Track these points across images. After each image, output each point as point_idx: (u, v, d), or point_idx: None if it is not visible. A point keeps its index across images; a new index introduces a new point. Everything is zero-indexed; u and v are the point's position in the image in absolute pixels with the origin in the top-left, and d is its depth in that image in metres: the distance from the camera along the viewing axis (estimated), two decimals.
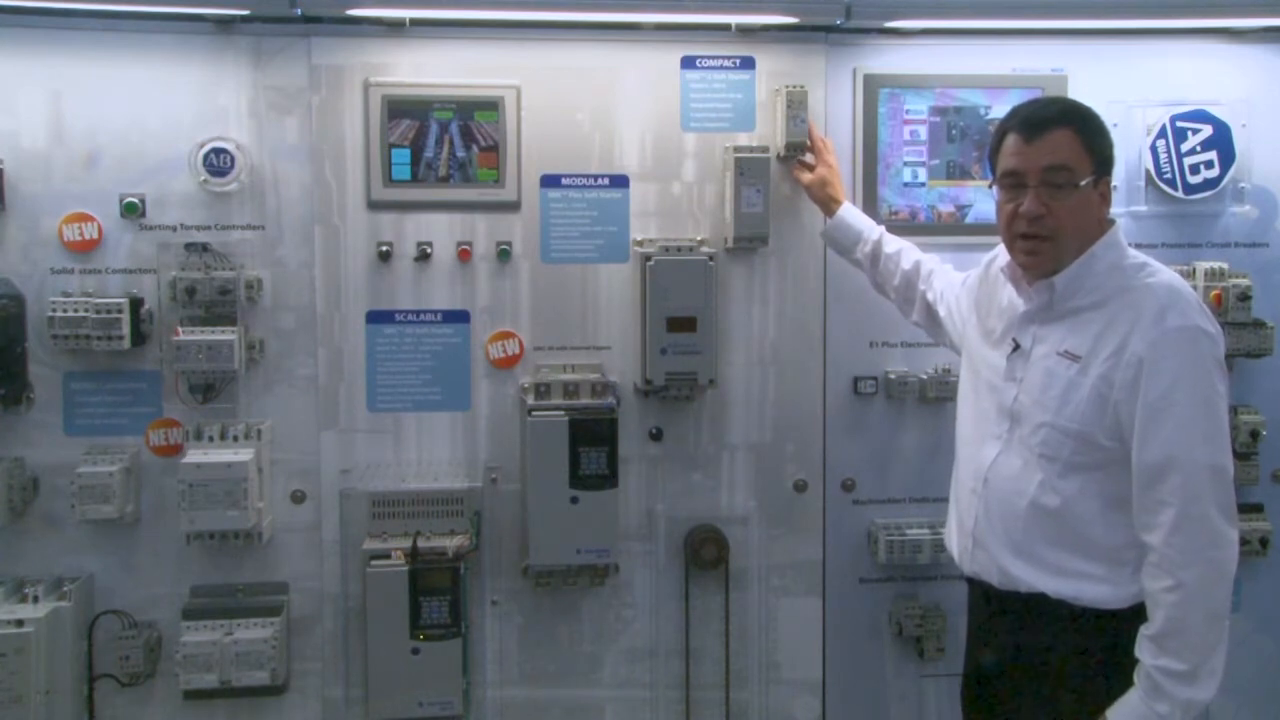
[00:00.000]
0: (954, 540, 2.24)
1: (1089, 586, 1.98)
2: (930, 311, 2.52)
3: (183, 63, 2.63)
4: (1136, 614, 1.94)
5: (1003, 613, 2.10)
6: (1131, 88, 2.84)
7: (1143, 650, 1.90)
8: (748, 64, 2.77)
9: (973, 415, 2.21)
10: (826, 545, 2.87)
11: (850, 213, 2.67)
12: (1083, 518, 1.99)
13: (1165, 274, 2.00)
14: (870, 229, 2.64)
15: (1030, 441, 2.03)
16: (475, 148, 2.71)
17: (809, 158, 2.73)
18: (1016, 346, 2.09)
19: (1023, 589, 2.04)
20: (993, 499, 2.09)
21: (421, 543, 2.58)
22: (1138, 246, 2.75)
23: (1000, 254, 2.21)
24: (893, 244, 2.60)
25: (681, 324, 2.66)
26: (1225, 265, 2.81)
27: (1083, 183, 1.97)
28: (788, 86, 2.70)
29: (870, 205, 2.80)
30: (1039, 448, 2.01)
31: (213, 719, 2.72)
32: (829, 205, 2.68)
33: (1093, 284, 2.01)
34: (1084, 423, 1.96)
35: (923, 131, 2.82)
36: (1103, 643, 1.98)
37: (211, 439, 2.62)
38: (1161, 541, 1.88)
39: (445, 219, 2.73)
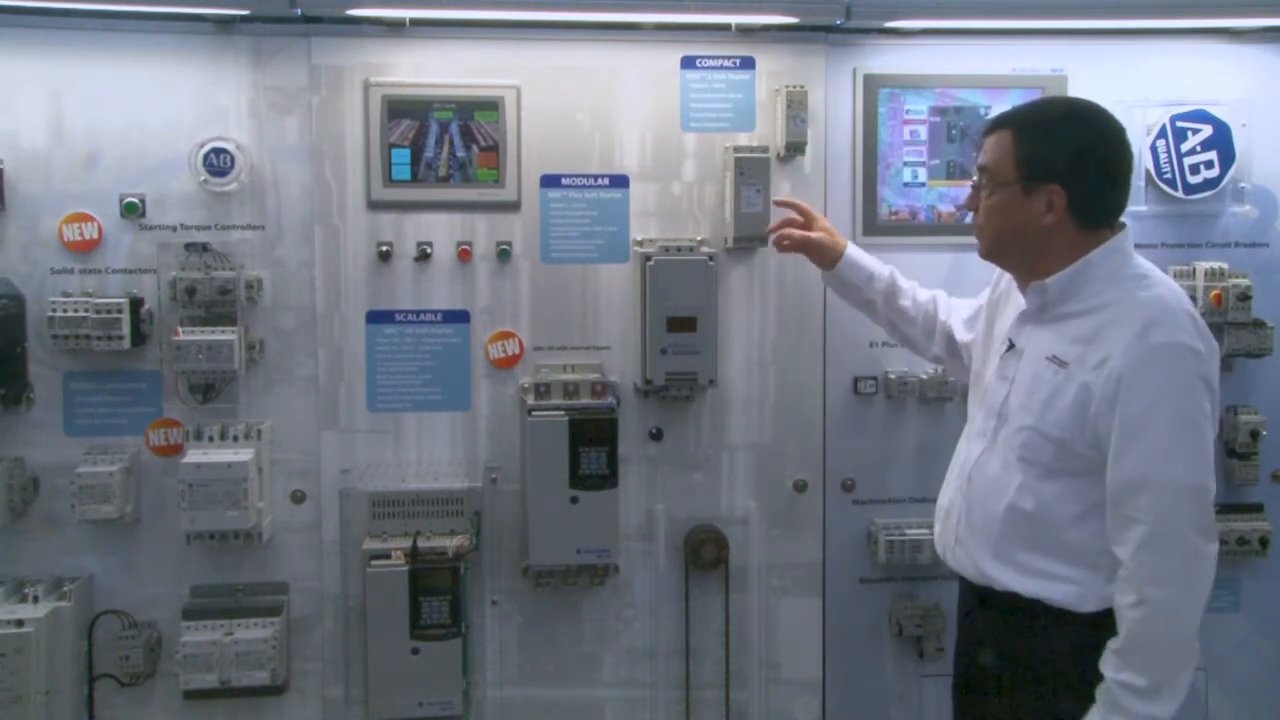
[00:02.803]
0: (939, 535, 2.25)
1: (1060, 587, 1.98)
2: (950, 341, 2.48)
3: (183, 63, 2.63)
4: (1108, 617, 1.93)
5: (982, 605, 2.12)
6: (1131, 88, 2.84)
7: (1106, 664, 1.90)
8: (748, 64, 2.77)
9: (970, 409, 2.24)
10: (826, 545, 2.87)
11: (859, 252, 2.55)
12: (1059, 522, 1.99)
13: (1161, 288, 1.97)
14: (880, 265, 2.55)
15: (1013, 443, 2.03)
16: (475, 148, 2.71)
17: (778, 233, 2.58)
18: (1011, 346, 2.10)
19: (998, 587, 2.05)
20: (975, 498, 2.10)
21: (421, 543, 2.58)
22: (1137, 247, 2.75)
23: None
24: (906, 280, 2.54)
25: (681, 324, 2.66)
26: (1225, 265, 2.81)
27: (997, 187, 2.03)
28: (788, 86, 2.70)
29: (870, 205, 2.81)
30: (1020, 450, 2.01)
31: (213, 719, 2.72)
32: (833, 254, 2.54)
33: (1088, 291, 2.00)
34: (1064, 429, 1.95)
35: (923, 131, 2.83)
36: (1071, 644, 1.98)
37: (211, 439, 2.62)
38: (1130, 558, 1.87)
39: (445, 219, 2.73)
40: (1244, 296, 2.78)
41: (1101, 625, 1.94)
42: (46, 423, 2.65)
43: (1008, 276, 2.25)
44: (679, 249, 2.68)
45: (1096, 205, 2.01)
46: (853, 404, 2.85)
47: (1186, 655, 1.88)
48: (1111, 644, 1.90)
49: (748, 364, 2.82)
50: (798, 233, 2.57)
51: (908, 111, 2.82)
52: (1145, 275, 2.00)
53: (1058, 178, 1.98)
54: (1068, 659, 1.97)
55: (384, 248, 2.70)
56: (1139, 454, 1.87)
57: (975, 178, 2.12)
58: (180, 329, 2.59)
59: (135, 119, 2.62)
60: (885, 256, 2.81)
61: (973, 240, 2.80)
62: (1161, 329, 1.89)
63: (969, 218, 2.19)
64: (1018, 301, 2.15)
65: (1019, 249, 2.07)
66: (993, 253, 2.13)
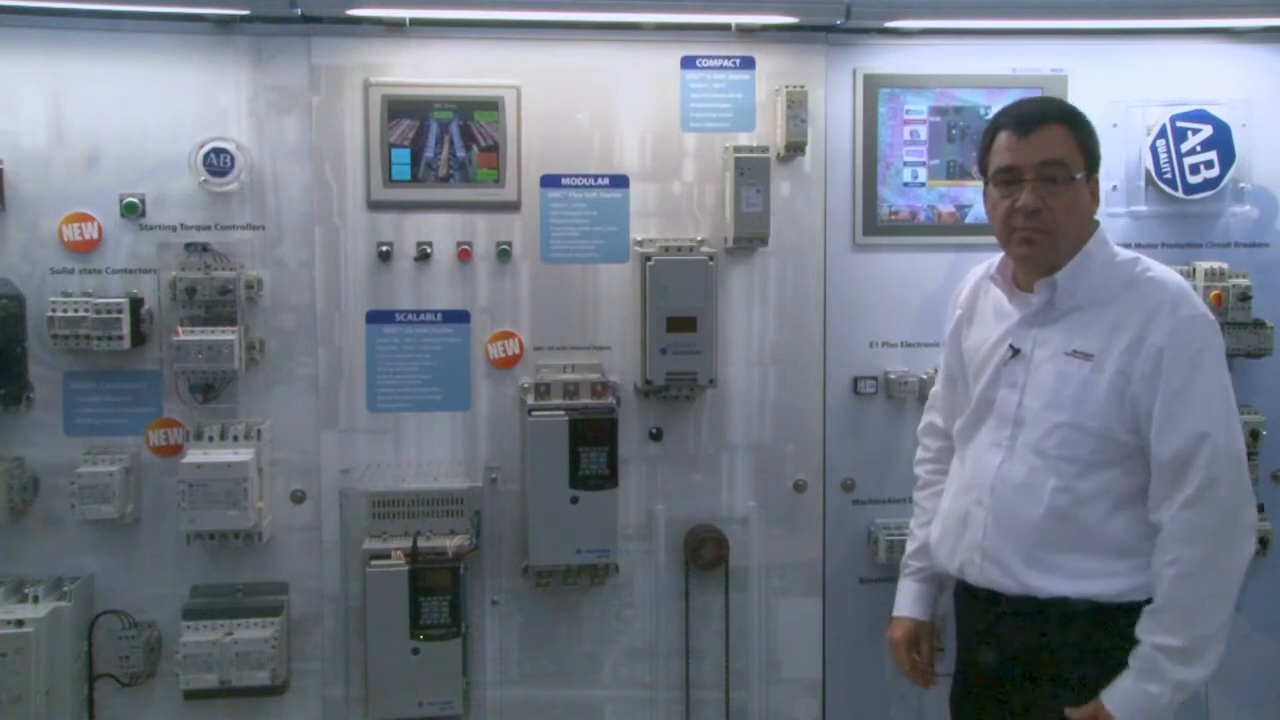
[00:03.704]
0: (944, 551, 2.20)
1: (1110, 583, 1.98)
2: None
3: (183, 63, 2.63)
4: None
5: (1012, 615, 2.07)
6: (1131, 88, 2.84)
7: (1141, 628, 1.93)
8: (748, 64, 2.77)
9: (967, 428, 2.20)
10: (826, 545, 2.87)
11: (916, 590, 2.33)
12: (1099, 517, 1.99)
13: (1158, 267, 2.05)
14: (918, 541, 2.33)
15: (1043, 445, 2.02)
16: (475, 148, 2.71)
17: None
18: (1016, 352, 2.09)
19: (1042, 595, 2.02)
20: (1002, 510, 2.07)
21: (421, 543, 2.58)
22: (1138, 246, 2.77)
23: (976, 272, 2.27)
24: (925, 485, 2.38)
25: (681, 324, 2.66)
26: (1225, 265, 2.81)
27: (1077, 177, 2.01)
28: (788, 86, 2.70)
29: (870, 205, 2.81)
30: (1056, 449, 2.01)
31: (213, 719, 2.72)
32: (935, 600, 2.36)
33: (1091, 282, 2.03)
34: (1104, 419, 1.97)
35: (923, 131, 2.82)
36: (1123, 635, 1.97)
37: (211, 439, 2.62)
38: (1169, 519, 1.92)
39: (445, 219, 2.73)
40: (1244, 296, 2.78)
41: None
42: (46, 423, 2.65)
43: (967, 293, 2.28)
44: (679, 249, 2.68)
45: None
46: (853, 404, 2.85)
47: (1219, 616, 1.92)
48: (1147, 609, 1.93)
49: (748, 364, 2.82)
50: (926, 671, 2.33)
51: (908, 111, 2.82)
52: (1137, 258, 2.07)
53: (1098, 168, 2.07)
54: (1118, 649, 1.97)
55: (384, 248, 2.70)
56: (1187, 422, 1.92)
57: (1027, 176, 2.00)
58: (180, 329, 2.59)
59: (135, 119, 2.62)
60: (885, 256, 2.84)
61: (971, 240, 2.82)
62: (1186, 303, 1.97)
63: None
64: (997, 311, 2.16)
65: (1073, 244, 2.04)
66: (1057, 252, 2.03)
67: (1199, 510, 1.90)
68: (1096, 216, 2.09)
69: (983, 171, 2.12)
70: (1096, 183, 2.07)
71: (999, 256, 2.15)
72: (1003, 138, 2.05)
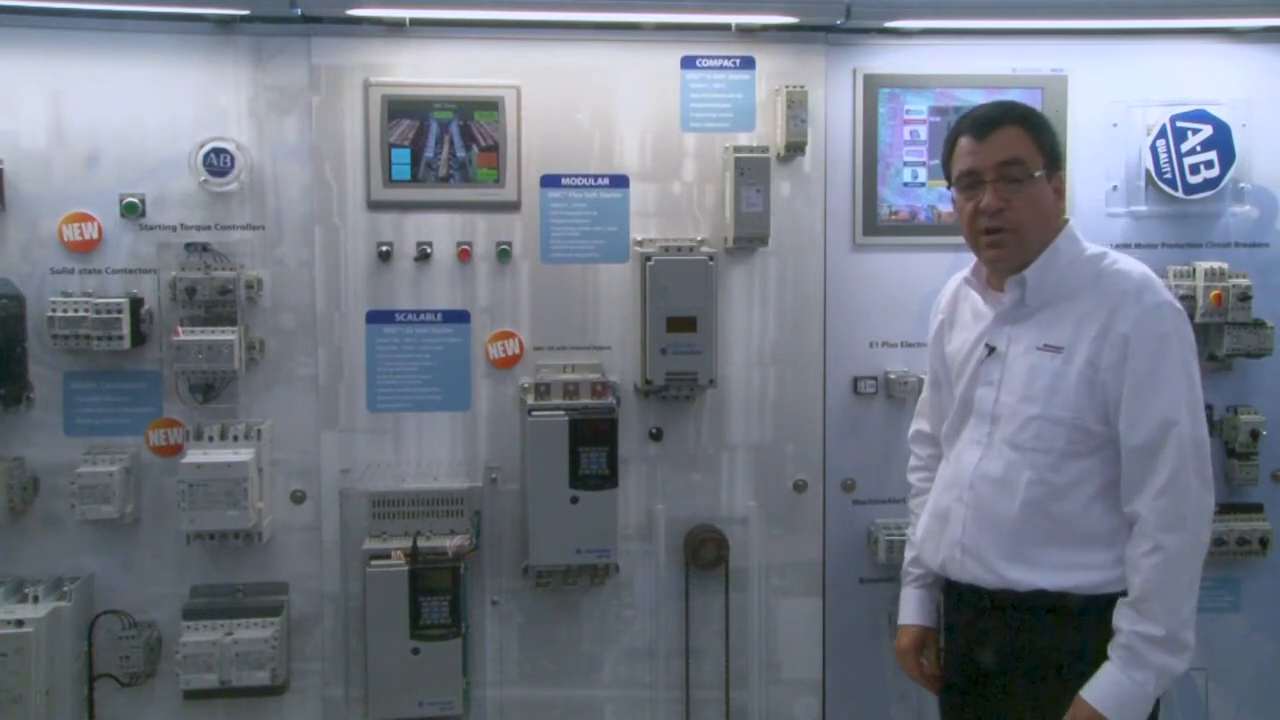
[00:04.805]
0: (929, 549, 2.22)
1: (1087, 575, 2.00)
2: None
3: (183, 63, 2.63)
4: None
5: (995, 610, 2.09)
6: (1131, 88, 2.85)
7: (1121, 618, 1.94)
8: (748, 64, 2.77)
9: (951, 429, 2.22)
10: (826, 545, 2.87)
11: (920, 596, 2.32)
12: (1075, 509, 2.01)
13: (1125, 259, 2.08)
14: (913, 550, 2.33)
15: (1019, 438, 2.05)
16: (475, 148, 2.71)
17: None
18: (991, 350, 2.11)
19: (1021, 589, 2.04)
20: (981, 504, 2.09)
21: (421, 543, 2.58)
22: (1138, 246, 2.76)
23: (956, 278, 2.30)
24: (918, 493, 2.38)
25: (681, 324, 2.66)
26: (1225, 265, 2.81)
27: (1036, 174, 2.04)
28: (788, 86, 2.71)
29: (870, 205, 2.81)
30: (1031, 442, 2.03)
31: (213, 719, 2.72)
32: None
33: (1060, 276, 2.06)
34: (1075, 410, 2.00)
35: (923, 131, 2.83)
36: (1101, 628, 1.98)
37: (211, 439, 2.62)
38: (1146, 508, 1.94)
39: (445, 219, 2.73)
40: (1244, 296, 2.78)
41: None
42: (46, 423, 2.65)
43: (948, 298, 2.31)
44: (679, 249, 2.68)
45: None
46: (853, 404, 2.85)
47: (1193, 607, 1.95)
48: (1123, 599, 1.94)
49: (748, 364, 2.82)
50: (935, 676, 2.32)
51: (908, 111, 2.82)
52: (1104, 252, 2.10)
53: (1060, 166, 2.11)
54: (1098, 643, 1.97)
55: (384, 248, 2.70)
56: (1154, 409, 1.94)
57: (987, 178, 2.04)
58: (180, 329, 2.59)
59: (135, 119, 2.62)
60: (885, 256, 2.84)
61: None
62: (1150, 292, 2.00)
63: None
64: (975, 313, 2.19)
65: (1040, 241, 2.07)
66: (1026, 250, 2.06)
67: (1172, 498, 1.92)
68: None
69: (947, 178, 2.17)
70: (1061, 180, 2.11)
71: (975, 260, 2.18)
72: (963, 142, 2.09)
